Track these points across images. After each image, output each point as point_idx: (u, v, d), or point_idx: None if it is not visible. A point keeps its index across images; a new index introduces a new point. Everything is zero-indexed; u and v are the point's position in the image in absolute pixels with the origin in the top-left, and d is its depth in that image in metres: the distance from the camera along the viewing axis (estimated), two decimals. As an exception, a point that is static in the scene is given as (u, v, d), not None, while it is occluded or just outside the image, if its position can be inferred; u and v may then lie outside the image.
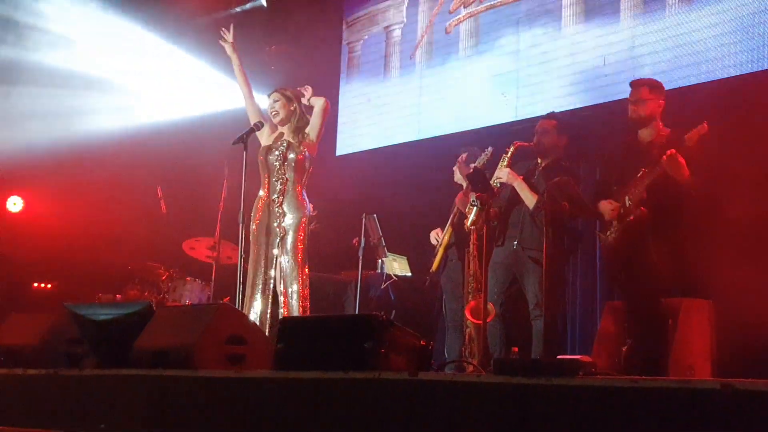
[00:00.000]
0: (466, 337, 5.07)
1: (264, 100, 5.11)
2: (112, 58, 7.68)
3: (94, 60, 7.60)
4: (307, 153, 4.82)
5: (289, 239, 4.71)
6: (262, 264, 4.73)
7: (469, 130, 6.55)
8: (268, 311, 4.69)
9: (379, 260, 6.25)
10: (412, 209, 6.47)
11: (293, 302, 4.63)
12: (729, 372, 4.22)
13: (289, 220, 4.74)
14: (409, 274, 6.52)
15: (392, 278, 6.27)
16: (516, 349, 4.84)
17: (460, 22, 6.91)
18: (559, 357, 4.24)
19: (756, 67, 5.07)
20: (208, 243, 6.53)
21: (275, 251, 4.72)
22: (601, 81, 5.87)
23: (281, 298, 4.67)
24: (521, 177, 4.88)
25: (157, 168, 7.45)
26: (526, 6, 6.44)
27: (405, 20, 7.38)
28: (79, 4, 7.48)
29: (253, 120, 4.89)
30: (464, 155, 5.46)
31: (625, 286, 4.45)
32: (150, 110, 7.86)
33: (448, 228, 5.50)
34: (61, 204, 7.51)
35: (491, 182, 4.68)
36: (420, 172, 6.58)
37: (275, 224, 4.74)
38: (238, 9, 7.95)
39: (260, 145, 4.90)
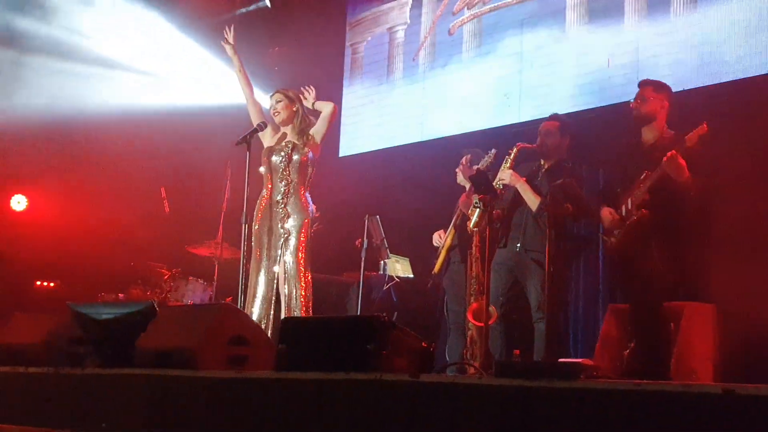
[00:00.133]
0: (468, 339, 5.06)
1: (268, 101, 5.11)
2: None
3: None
4: (311, 154, 4.83)
5: (292, 240, 4.72)
6: (265, 265, 4.74)
7: (472, 132, 6.55)
8: (271, 312, 4.69)
9: (382, 262, 6.25)
10: (415, 211, 6.47)
11: (295, 303, 4.64)
12: (732, 376, 4.22)
13: (292, 221, 4.74)
14: (412, 275, 6.52)
15: (394, 280, 6.27)
16: (518, 351, 4.84)
17: (464, 23, 6.91)
18: (561, 360, 4.23)
19: (762, 70, 5.06)
20: (211, 249, 6.54)
21: (278, 252, 4.72)
22: (605, 83, 5.87)
23: (283, 299, 4.67)
24: (524, 179, 4.87)
25: (160, 168, 7.46)
26: (529, 7, 6.43)
27: (408, 21, 7.38)
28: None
29: (255, 121, 4.89)
30: (467, 157, 5.45)
31: (627, 290, 4.45)
32: (154, 108, 7.86)
33: (450, 230, 5.50)
34: (65, 203, 7.53)
35: (494, 184, 4.67)
36: (423, 174, 6.58)
37: (278, 225, 4.74)
38: (243, 10, 7.95)
39: (263, 145, 4.91)
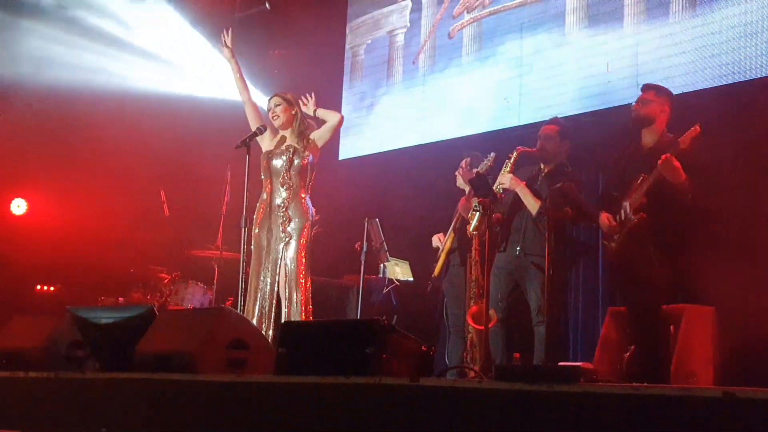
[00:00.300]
0: (468, 342, 5.06)
1: (266, 103, 5.11)
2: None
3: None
4: (311, 158, 4.83)
5: (293, 244, 4.72)
6: (265, 268, 4.74)
7: (471, 135, 6.56)
8: (271, 315, 4.69)
9: (381, 265, 6.25)
10: (415, 214, 6.47)
11: (295, 307, 4.64)
12: (731, 379, 4.22)
13: (293, 225, 4.74)
14: (411, 279, 6.52)
15: (394, 283, 6.27)
16: (518, 355, 4.84)
17: (464, 27, 6.92)
18: (560, 363, 4.23)
19: (761, 73, 5.07)
20: (210, 252, 6.54)
21: (278, 255, 4.72)
22: (604, 87, 5.87)
23: (284, 303, 4.67)
24: (524, 182, 4.88)
25: (160, 171, 7.46)
26: (529, 11, 6.44)
27: (408, 25, 7.39)
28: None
29: (253, 125, 4.90)
30: (467, 160, 5.46)
31: (626, 293, 4.45)
32: (155, 110, 7.86)
33: (450, 233, 5.50)
34: (65, 207, 7.52)
35: (494, 188, 4.68)
36: (422, 177, 6.58)
37: (279, 229, 4.74)
38: (241, 15, 7.96)
39: (261, 149, 4.91)
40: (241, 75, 5.02)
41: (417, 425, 2.56)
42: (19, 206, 7.81)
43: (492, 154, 5.14)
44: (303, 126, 4.89)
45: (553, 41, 6.25)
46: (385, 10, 7.58)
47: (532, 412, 2.34)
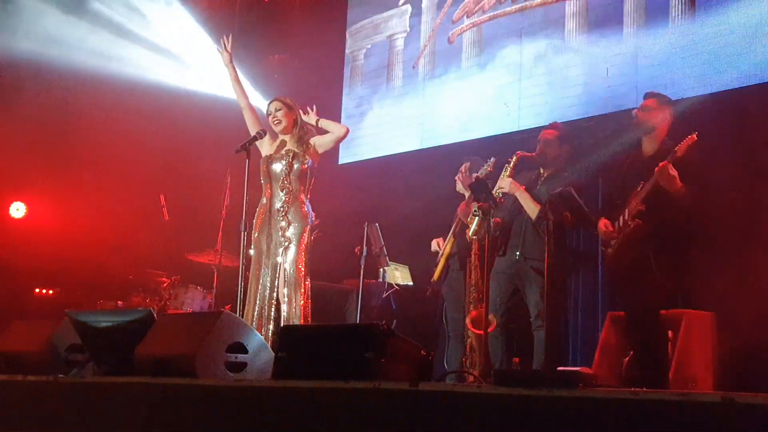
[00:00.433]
0: (467, 347, 5.06)
1: (266, 108, 5.12)
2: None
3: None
4: (311, 163, 4.84)
5: (292, 248, 4.72)
6: (264, 272, 4.74)
7: (471, 140, 6.56)
8: (271, 320, 4.69)
9: (381, 269, 6.24)
10: (414, 219, 6.47)
11: (294, 311, 4.64)
12: (731, 384, 4.22)
13: (293, 229, 4.74)
14: (411, 283, 6.52)
15: (394, 287, 6.27)
16: (517, 359, 4.84)
17: (463, 31, 6.93)
18: (560, 368, 4.23)
19: (760, 79, 5.07)
20: (210, 257, 6.54)
21: (278, 260, 4.73)
22: (604, 92, 5.88)
23: (283, 307, 4.67)
24: (524, 187, 4.88)
25: (159, 176, 7.46)
26: (529, 17, 6.45)
27: (408, 29, 7.40)
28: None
29: (252, 129, 4.90)
30: (466, 165, 5.46)
31: (625, 298, 4.46)
32: (155, 113, 7.85)
33: (449, 237, 5.50)
34: (64, 210, 7.52)
35: (494, 192, 4.68)
36: (422, 182, 6.59)
37: (279, 233, 4.74)
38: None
39: (261, 153, 4.92)
40: (238, 81, 5.02)
41: (416, 430, 2.56)
42: (18, 210, 7.81)
43: (492, 159, 5.14)
44: (303, 131, 4.89)
45: (552, 46, 6.26)
46: (385, 14, 7.60)
47: (532, 417, 2.34)
